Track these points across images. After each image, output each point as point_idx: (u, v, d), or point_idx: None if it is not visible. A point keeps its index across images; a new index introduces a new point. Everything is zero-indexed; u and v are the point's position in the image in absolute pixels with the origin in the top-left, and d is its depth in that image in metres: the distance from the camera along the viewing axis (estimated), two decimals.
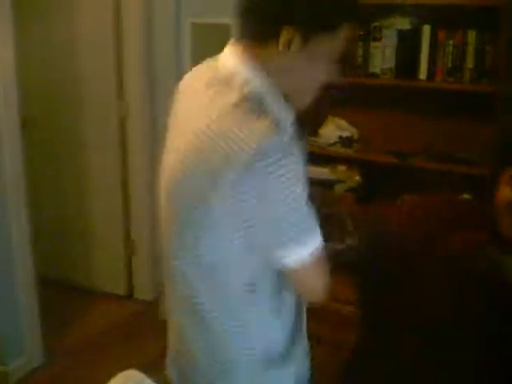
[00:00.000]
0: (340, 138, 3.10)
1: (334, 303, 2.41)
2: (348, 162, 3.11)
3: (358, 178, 3.08)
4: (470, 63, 2.69)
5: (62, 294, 3.67)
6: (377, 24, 2.88)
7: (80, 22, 3.47)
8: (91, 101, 3.58)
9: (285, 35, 1.11)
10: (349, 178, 3.09)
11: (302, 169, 1.12)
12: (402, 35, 2.83)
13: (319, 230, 1.17)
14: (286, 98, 1.20)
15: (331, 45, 1.16)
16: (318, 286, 1.24)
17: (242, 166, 1.07)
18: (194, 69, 1.33)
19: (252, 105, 1.11)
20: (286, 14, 1.11)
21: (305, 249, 1.15)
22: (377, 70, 2.92)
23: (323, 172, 3.14)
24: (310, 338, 1.45)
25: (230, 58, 1.20)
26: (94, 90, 3.55)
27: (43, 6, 3.52)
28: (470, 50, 2.67)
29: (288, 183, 1.09)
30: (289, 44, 1.12)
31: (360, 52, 2.94)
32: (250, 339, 1.29)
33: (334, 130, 3.14)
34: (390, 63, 2.87)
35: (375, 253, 1.68)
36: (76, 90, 3.59)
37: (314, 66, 1.18)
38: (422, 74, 2.80)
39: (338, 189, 3.11)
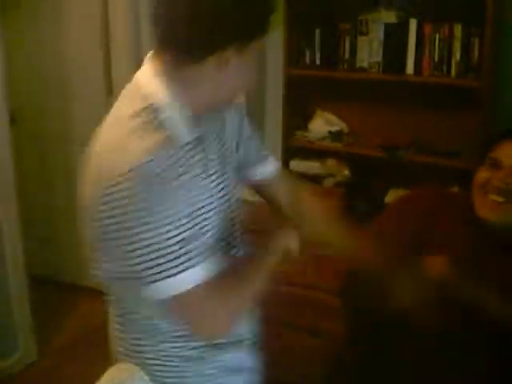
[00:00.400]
0: (330, 132, 3.12)
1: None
2: (338, 156, 3.13)
3: (346, 172, 3.09)
4: (456, 57, 2.70)
5: (54, 290, 3.67)
6: (363, 18, 2.89)
7: (68, 17, 3.44)
8: (80, 97, 3.56)
9: (223, 54, 1.05)
10: (338, 172, 3.11)
11: (184, 193, 1.04)
12: (388, 29, 2.84)
13: (199, 265, 1.05)
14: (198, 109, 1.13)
15: (257, 49, 1.11)
16: (203, 321, 1.12)
17: (109, 186, 1.01)
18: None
19: (147, 119, 1.06)
20: (222, 34, 1.03)
21: (174, 282, 1.04)
22: (364, 64, 2.92)
23: (314, 166, 3.16)
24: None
25: (145, 73, 1.13)
26: (83, 86, 3.53)
27: (31, 0, 3.51)
28: (457, 43, 2.68)
29: (155, 209, 1.00)
30: (226, 62, 1.06)
31: (347, 46, 2.95)
32: None
33: (323, 125, 3.16)
34: (378, 57, 2.88)
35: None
36: (65, 85, 3.57)
37: (244, 72, 1.12)
38: (409, 67, 2.80)
39: (328, 183, 3.14)
